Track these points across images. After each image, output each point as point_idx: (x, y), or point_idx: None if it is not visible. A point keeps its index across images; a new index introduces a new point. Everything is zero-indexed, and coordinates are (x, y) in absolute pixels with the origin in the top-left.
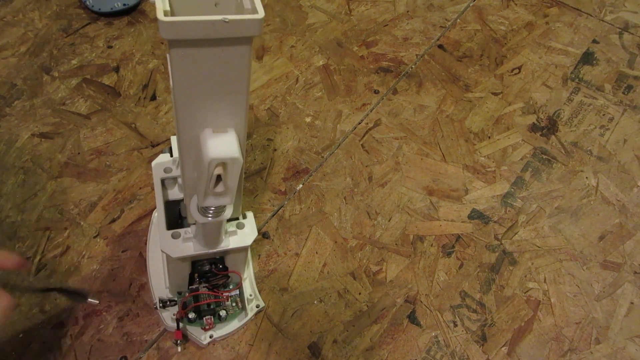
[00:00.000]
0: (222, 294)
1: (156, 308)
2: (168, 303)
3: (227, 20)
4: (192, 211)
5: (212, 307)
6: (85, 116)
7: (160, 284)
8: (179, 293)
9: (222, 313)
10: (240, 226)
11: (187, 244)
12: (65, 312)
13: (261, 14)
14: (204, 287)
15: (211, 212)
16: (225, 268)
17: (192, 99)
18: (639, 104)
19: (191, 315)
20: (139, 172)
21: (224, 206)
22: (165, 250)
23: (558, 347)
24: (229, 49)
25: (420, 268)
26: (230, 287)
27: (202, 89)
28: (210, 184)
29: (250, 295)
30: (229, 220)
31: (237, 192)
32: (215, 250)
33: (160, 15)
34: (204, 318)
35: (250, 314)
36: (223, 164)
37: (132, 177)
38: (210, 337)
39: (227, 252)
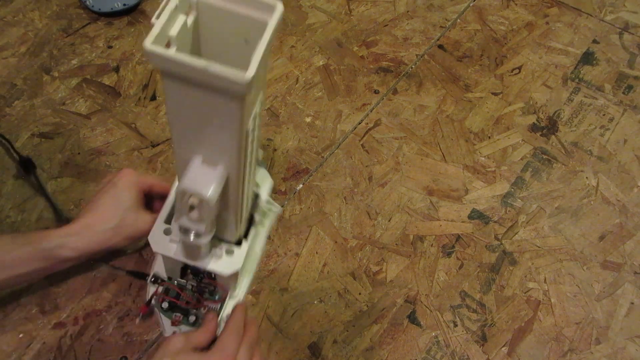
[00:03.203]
0: (203, 300)
1: (146, 280)
2: (159, 281)
3: (209, 69)
4: (173, 225)
5: (186, 307)
6: (85, 116)
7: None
8: (170, 278)
9: (192, 318)
10: (229, 252)
11: (172, 245)
12: (65, 312)
13: (248, 75)
14: (191, 284)
15: (188, 233)
16: (214, 278)
17: (183, 126)
18: (639, 104)
19: (165, 304)
20: (139, 172)
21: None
22: (150, 241)
23: (558, 347)
24: (218, 98)
25: (420, 268)
26: (216, 297)
27: (193, 121)
28: (183, 209)
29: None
30: (225, 241)
31: (233, 219)
32: (193, 264)
33: (147, 41)
34: (174, 314)
35: (218, 330)
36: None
37: None
38: (174, 333)
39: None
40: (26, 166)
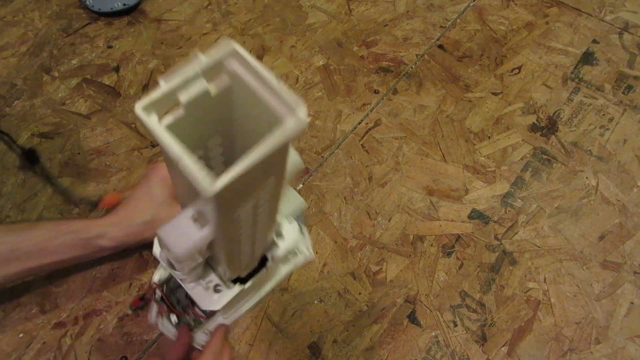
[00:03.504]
0: (192, 307)
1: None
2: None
3: (179, 163)
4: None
5: (173, 306)
6: (85, 116)
7: None
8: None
9: (174, 319)
10: (218, 289)
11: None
12: (65, 312)
13: (215, 187)
14: None
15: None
16: None
17: (175, 180)
18: (639, 104)
19: (157, 294)
20: (139, 172)
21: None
22: (156, 238)
23: (558, 347)
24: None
25: (420, 268)
26: (206, 311)
27: (183, 184)
28: (162, 247)
29: (205, 332)
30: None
31: (224, 268)
32: (180, 283)
33: (138, 105)
34: (161, 304)
35: (196, 341)
36: None
37: (132, 177)
38: (155, 323)
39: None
40: (31, 158)
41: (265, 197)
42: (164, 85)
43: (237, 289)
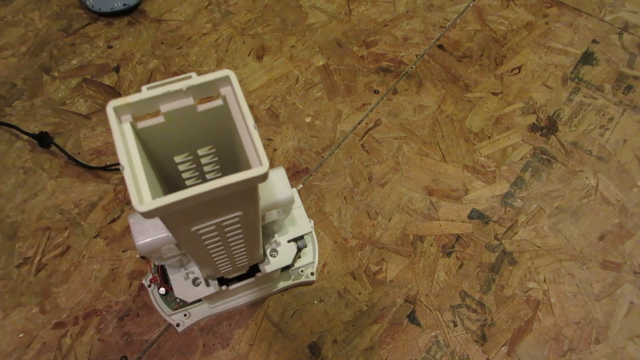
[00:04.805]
0: None
1: None
2: None
3: (122, 171)
4: None
5: (165, 281)
6: (85, 116)
7: None
8: None
9: (162, 290)
10: (196, 282)
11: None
12: (65, 312)
13: (144, 208)
14: None
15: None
16: None
17: None
18: (639, 104)
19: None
20: None
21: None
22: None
23: (558, 347)
24: None
25: (420, 268)
26: None
27: None
28: None
29: (185, 314)
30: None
31: (200, 271)
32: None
33: (110, 104)
34: (155, 274)
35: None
36: None
37: None
38: (147, 286)
39: None
40: (43, 140)
41: (234, 225)
42: (145, 93)
43: (214, 288)
